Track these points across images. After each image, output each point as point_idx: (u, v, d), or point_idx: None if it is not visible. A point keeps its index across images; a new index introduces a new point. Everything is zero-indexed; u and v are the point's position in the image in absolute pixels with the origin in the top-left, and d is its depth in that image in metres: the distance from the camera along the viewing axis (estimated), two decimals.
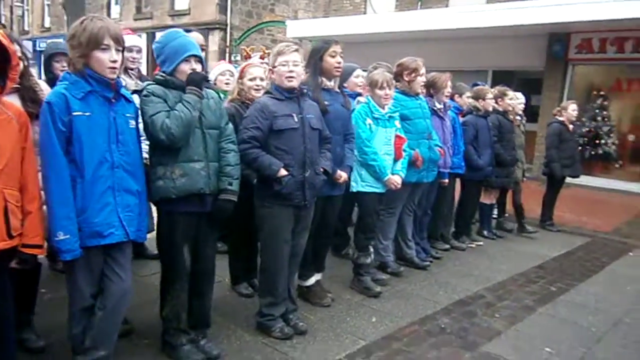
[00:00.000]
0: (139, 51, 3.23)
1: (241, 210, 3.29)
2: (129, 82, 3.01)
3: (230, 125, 2.97)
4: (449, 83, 4.83)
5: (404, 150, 4.06)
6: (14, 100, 2.60)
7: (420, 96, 4.61)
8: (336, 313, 3.69)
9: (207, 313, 3.05)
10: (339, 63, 3.57)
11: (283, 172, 3.05)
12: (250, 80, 3.71)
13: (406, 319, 3.65)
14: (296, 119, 3.11)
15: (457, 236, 5.80)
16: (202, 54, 3.32)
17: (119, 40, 2.36)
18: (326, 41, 3.58)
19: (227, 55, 17.53)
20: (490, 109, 5.56)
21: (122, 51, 2.42)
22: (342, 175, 3.60)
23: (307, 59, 3.58)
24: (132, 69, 3.74)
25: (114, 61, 2.34)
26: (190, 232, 2.84)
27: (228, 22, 17.64)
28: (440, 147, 4.62)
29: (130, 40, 3.65)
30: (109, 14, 21.66)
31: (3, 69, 2.14)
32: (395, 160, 4.03)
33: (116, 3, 21.70)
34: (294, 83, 3.13)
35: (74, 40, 2.34)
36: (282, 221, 3.17)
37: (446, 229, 5.65)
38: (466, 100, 5.43)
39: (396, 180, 3.98)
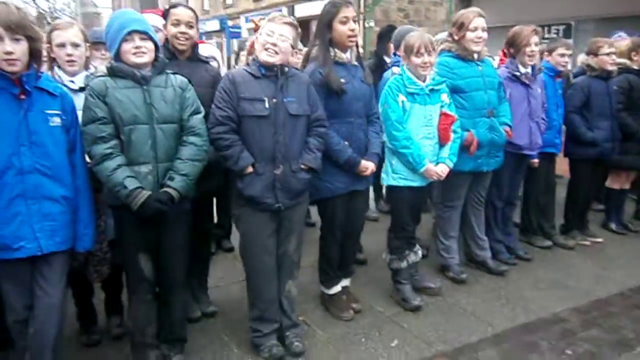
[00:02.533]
0: (76, 45, 2.66)
1: None
2: (64, 78, 2.66)
3: (198, 117, 2.53)
4: (535, 39, 3.71)
5: (454, 132, 3.21)
6: None
7: (488, 59, 3.64)
8: (353, 330, 3.09)
9: (177, 325, 2.73)
10: (352, 30, 2.88)
11: (250, 169, 2.57)
12: None
13: (436, 347, 2.91)
14: (267, 105, 2.56)
15: (566, 230, 4.64)
16: (191, 31, 2.93)
17: (12, 28, 2.04)
18: (334, 3, 2.90)
19: (361, 22, 16.92)
20: (609, 67, 4.22)
21: (30, 40, 2.11)
22: (368, 165, 2.97)
23: (316, 27, 2.97)
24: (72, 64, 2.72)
25: (8, 53, 2.04)
26: (146, 239, 2.52)
27: None
28: (508, 125, 3.59)
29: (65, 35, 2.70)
30: None
31: None
32: (441, 144, 3.20)
33: None
34: (274, 59, 2.58)
35: None
36: (256, 225, 2.69)
37: (547, 222, 4.53)
38: (558, 59, 4.14)
39: (439, 170, 3.17)
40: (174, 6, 3.00)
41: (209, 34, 25.46)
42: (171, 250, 2.60)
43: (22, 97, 2.14)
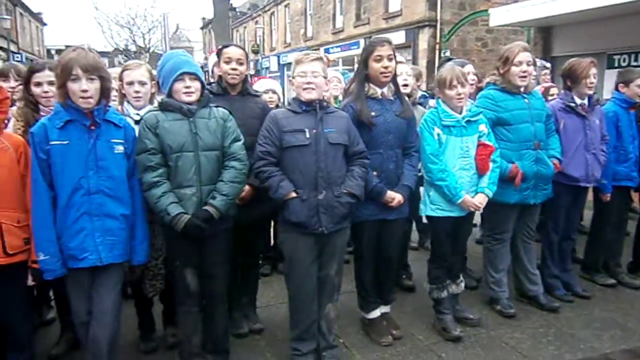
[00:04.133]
0: (142, 83, 3.02)
1: None
2: (131, 111, 3.02)
3: (238, 144, 2.79)
4: (593, 70, 3.64)
5: (493, 161, 3.22)
6: None
7: (536, 91, 3.63)
8: (389, 356, 3.15)
9: (221, 337, 2.96)
10: (386, 68, 3.03)
11: (292, 195, 2.74)
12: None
13: None
14: (308, 135, 2.76)
15: (634, 269, 4.39)
16: (241, 68, 3.21)
17: (89, 70, 2.41)
18: (372, 43, 3.09)
19: (436, 52, 16.94)
20: None
21: (102, 80, 2.47)
22: (395, 197, 3.07)
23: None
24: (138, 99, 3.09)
25: (84, 91, 2.41)
26: (192, 255, 2.78)
27: (438, 17, 16.98)
28: (557, 158, 3.54)
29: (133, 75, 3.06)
30: (334, 25, 23.33)
31: None
32: (480, 175, 3.23)
33: (340, 13, 23.06)
34: (313, 95, 2.80)
35: (54, 72, 2.50)
36: (300, 250, 2.85)
37: (613, 259, 4.32)
38: (637, 90, 3.98)
39: (476, 201, 3.20)
40: (226, 46, 3.32)
41: (290, 65, 26.57)
42: (213, 265, 2.83)
43: (92, 127, 2.49)
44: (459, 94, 3.12)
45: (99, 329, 2.55)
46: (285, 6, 29.07)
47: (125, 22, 32.53)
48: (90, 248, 2.48)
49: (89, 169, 2.47)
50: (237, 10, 36.64)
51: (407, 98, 3.41)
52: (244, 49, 3.33)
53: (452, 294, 3.43)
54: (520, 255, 3.77)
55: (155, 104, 3.13)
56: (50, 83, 2.92)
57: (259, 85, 3.98)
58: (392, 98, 3.14)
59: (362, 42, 20.64)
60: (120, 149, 2.57)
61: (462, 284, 3.50)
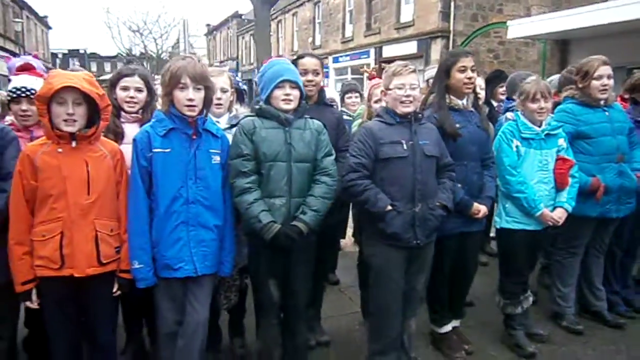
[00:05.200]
0: (224, 91, 2.99)
1: None
2: (211, 119, 2.98)
3: (330, 158, 2.75)
4: None
5: (572, 176, 3.21)
6: (135, 130, 2.72)
7: (617, 104, 3.62)
8: None
9: (301, 351, 2.90)
10: (470, 79, 3.02)
11: (389, 207, 2.70)
12: (377, 102, 3.41)
13: None
14: (405, 146, 2.73)
15: None
16: (317, 78, 3.18)
17: (197, 80, 2.39)
18: (454, 53, 3.09)
19: None
20: None
21: (207, 89, 2.46)
22: (481, 208, 3.05)
23: (435, 75, 3.15)
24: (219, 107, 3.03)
25: (190, 99, 2.39)
26: (276, 267, 2.73)
27: (451, 28, 17.07)
28: None
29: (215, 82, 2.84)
30: (343, 34, 23.37)
31: (97, 111, 2.37)
32: (559, 189, 3.21)
33: (350, 22, 23.13)
34: (410, 108, 2.77)
35: (161, 80, 2.48)
36: (390, 263, 2.80)
37: None
38: None
39: (555, 215, 3.18)
40: (301, 57, 3.28)
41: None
42: (297, 278, 2.78)
43: (194, 137, 2.47)
44: (542, 108, 3.11)
45: (192, 340, 2.51)
46: (293, 15, 29.11)
47: (137, 27, 32.69)
48: (185, 258, 2.46)
49: (189, 178, 2.45)
50: (244, 18, 36.76)
51: None
52: (318, 58, 3.29)
53: (524, 310, 3.39)
54: (589, 270, 3.73)
55: (234, 112, 3.13)
56: (138, 90, 2.89)
57: None
58: (471, 109, 3.13)
59: (372, 51, 20.70)
60: (217, 159, 2.55)
61: (531, 298, 3.45)
